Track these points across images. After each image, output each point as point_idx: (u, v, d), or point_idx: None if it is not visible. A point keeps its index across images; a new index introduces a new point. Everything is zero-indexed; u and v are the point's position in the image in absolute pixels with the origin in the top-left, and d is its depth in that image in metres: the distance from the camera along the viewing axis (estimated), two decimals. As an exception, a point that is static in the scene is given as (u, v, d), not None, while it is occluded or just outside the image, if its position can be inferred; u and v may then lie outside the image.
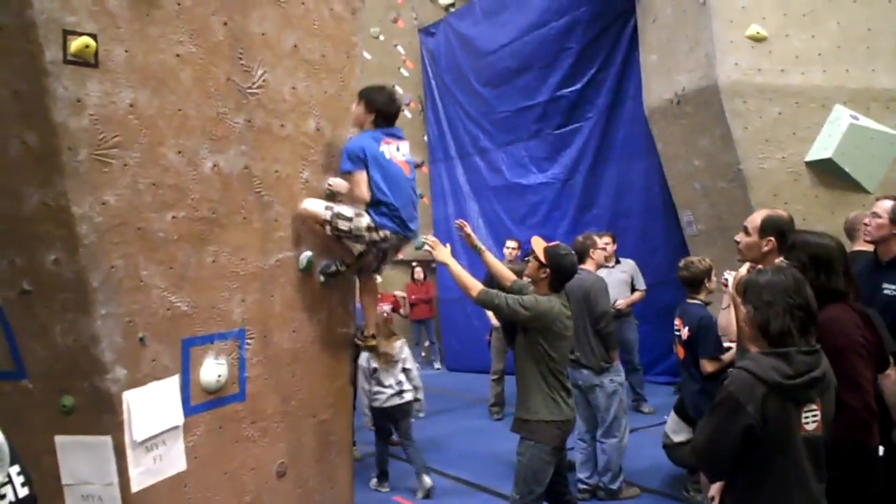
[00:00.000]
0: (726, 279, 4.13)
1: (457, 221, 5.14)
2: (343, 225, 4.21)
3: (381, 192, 4.21)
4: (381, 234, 4.25)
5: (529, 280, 4.47)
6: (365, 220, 4.22)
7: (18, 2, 2.94)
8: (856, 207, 6.52)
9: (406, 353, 6.40)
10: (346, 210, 4.24)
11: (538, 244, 4.37)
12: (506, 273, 4.76)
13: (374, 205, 4.23)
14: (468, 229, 4.94)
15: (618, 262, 8.17)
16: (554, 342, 4.22)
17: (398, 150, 4.36)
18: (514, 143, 11.44)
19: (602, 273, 7.59)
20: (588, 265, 5.98)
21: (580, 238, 6.17)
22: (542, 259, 4.27)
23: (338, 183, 4.41)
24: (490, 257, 4.86)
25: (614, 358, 5.84)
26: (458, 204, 12.52)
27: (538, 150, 11.11)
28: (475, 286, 4.31)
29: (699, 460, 2.97)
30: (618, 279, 7.80)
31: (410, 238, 4.46)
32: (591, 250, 6.06)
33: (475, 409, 9.19)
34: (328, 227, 4.22)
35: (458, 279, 4.37)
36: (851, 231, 5.20)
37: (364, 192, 4.17)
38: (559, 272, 4.30)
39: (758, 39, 6.72)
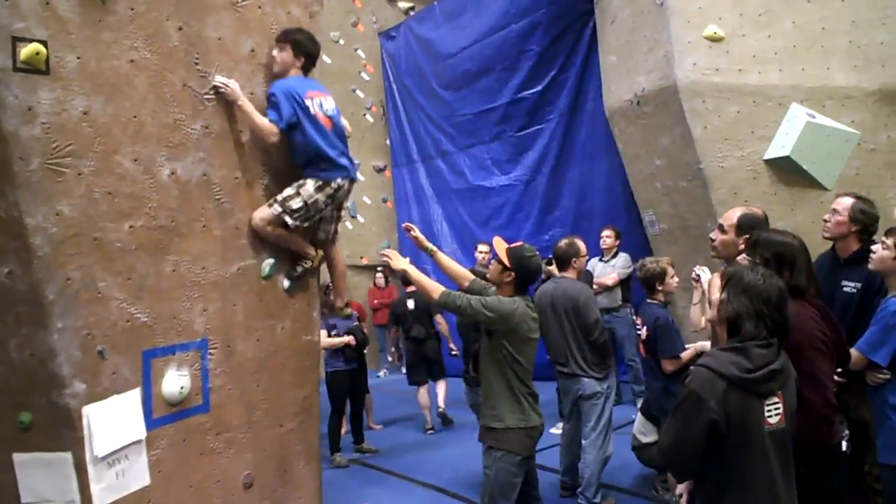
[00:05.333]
0: (698, 275, 4.11)
1: (404, 225, 4.93)
2: (295, 203, 4.11)
3: (317, 146, 4.15)
4: (334, 185, 4.22)
5: (493, 284, 4.31)
6: (310, 184, 4.17)
7: (-36, 8, 2.86)
8: (814, 204, 6.66)
9: None
10: (288, 190, 4.15)
11: (500, 245, 4.22)
12: (462, 273, 4.63)
13: (314, 163, 4.19)
14: (416, 231, 4.73)
15: (614, 256, 8.38)
16: (519, 345, 4.06)
17: (321, 105, 4.21)
18: (476, 146, 11.49)
19: (598, 266, 7.82)
20: (569, 273, 5.70)
21: (563, 244, 5.78)
22: (506, 262, 4.13)
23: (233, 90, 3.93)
24: (443, 258, 4.67)
25: (611, 364, 5.68)
26: (421, 207, 12.53)
27: (500, 152, 11.17)
28: (436, 288, 4.11)
29: (666, 460, 2.98)
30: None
31: (355, 178, 4.43)
32: (574, 259, 5.69)
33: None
34: (287, 219, 4.09)
35: (419, 284, 4.21)
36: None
37: (269, 131, 4.01)
38: (524, 275, 4.15)
39: (715, 39, 6.80)
